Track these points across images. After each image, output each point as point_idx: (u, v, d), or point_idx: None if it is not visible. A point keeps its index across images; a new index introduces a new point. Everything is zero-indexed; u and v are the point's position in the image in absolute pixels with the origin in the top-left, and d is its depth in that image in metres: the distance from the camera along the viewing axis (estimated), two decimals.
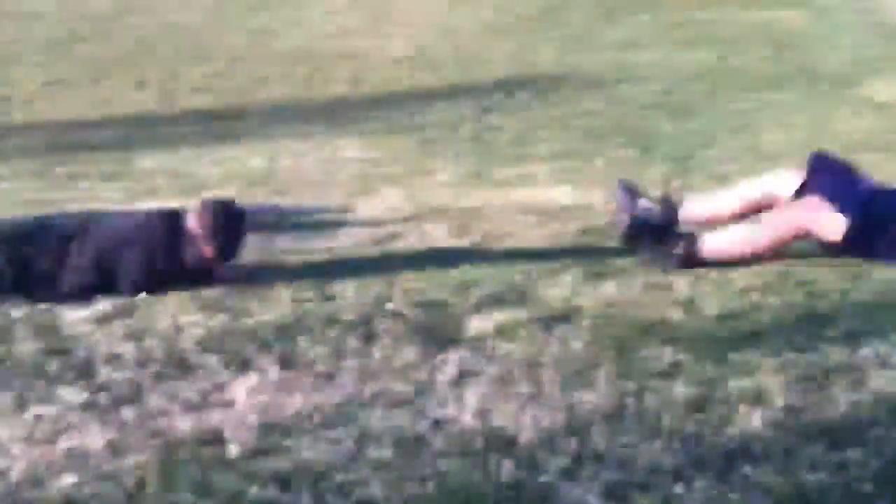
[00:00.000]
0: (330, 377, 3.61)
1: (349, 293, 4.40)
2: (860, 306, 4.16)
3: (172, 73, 10.98)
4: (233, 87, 10.54)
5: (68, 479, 2.94)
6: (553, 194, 6.46)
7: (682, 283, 4.46)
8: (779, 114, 9.33)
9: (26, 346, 3.81)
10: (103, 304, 4.22)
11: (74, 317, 4.09)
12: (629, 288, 4.43)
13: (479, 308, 4.21)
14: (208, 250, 4.16)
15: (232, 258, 4.27)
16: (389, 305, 4.24)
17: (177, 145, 8.72)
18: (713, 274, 4.56)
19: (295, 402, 3.41)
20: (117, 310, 4.18)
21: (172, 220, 4.21)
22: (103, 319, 4.07)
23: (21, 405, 3.33)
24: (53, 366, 3.62)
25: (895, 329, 3.90)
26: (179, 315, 4.10)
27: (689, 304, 4.23)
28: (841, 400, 3.39)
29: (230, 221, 4.23)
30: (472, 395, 3.48)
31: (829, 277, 4.46)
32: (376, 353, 3.82)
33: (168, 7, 14.10)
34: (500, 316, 4.10)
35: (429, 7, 13.81)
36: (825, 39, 11.83)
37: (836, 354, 3.72)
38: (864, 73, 10.30)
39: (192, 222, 4.16)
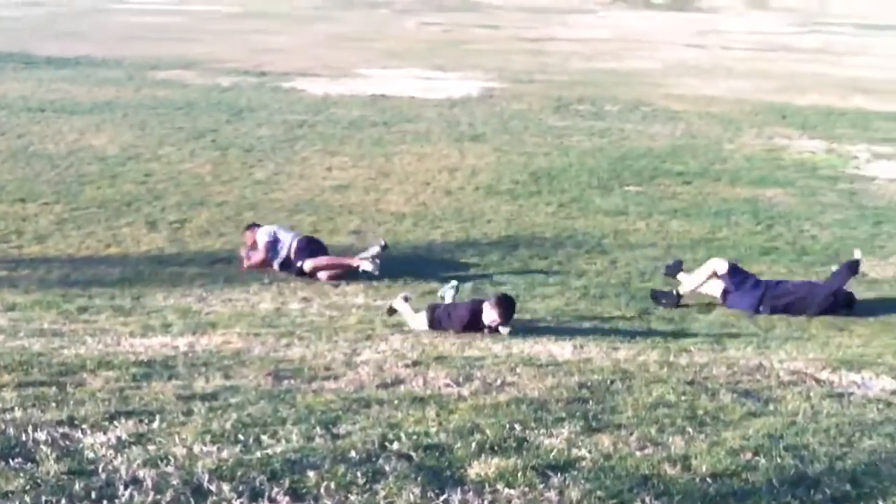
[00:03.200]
0: None
1: (355, 433, 4.55)
2: (848, 472, 4.29)
3: (181, 218, 11.34)
4: (241, 233, 10.87)
5: None
6: (553, 348, 6.68)
7: (677, 440, 4.62)
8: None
9: (50, 467, 3.94)
10: (121, 431, 4.38)
11: (95, 441, 4.24)
12: (625, 442, 4.59)
13: (479, 453, 4.35)
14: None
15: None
16: (394, 446, 4.39)
17: (186, 285, 9.00)
18: (706, 433, 4.74)
19: None
20: (135, 436, 4.33)
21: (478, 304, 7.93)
22: (122, 445, 4.22)
23: None
24: (76, 486, 3.75)
25: (882, 495, 4.05)
26: (194, 445, 4.25)
27: (683, 461, 4.37)
28: None
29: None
30: None
31: (819, 443, 4.63)
32: (381, 490, 3.93)
33: (175, 156, 14.60)
34: (499, 462, 4.24)
35: (427, 169, 14.34)
36: (812, 217, 12.31)
37: None
38: (851, 251, 10.70)
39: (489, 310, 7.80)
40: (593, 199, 12.90)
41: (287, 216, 11.56)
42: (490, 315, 7.73)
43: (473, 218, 11.86)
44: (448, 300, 8.31)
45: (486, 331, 7.71)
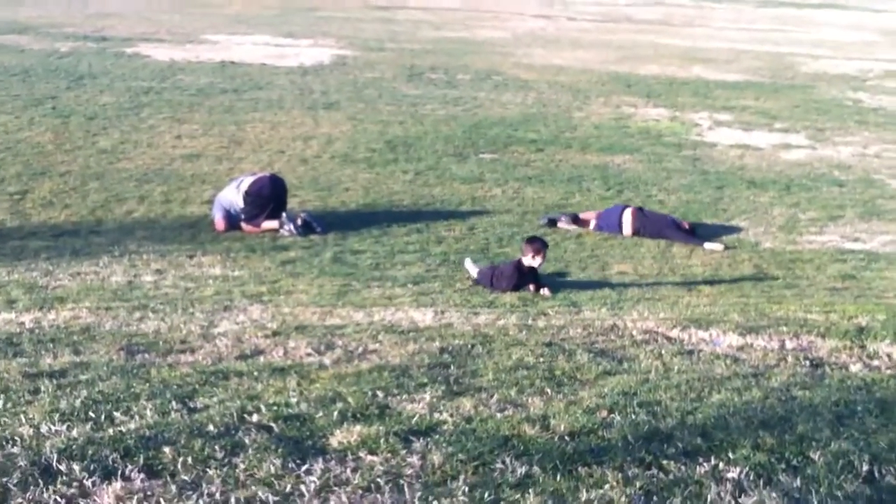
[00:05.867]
0: (195, 485, 3.63)
1: (213, 406, 4.44)
2: (698, 426, 4.43)
3: (22, 189, 10.82)
4: (87, 204, 10.48)
5: None
6: (415, 315, 6.68)
7: (536, 401, 4.69)
8: (624, 247, 10.04)
9: None
10: None
11: None
12: (486, 405, 4.63)
13: (341, 421, 4.32)
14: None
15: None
16: (254, 418, 4.31)
17: (31, 258, 8.59)
18: (564, 393, 4.84)
19: None
20: None
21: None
22: None
23: None
24: None
25: (731, 447, 4.21)
26: (41, 424, 4.06)
27: (542, 421, 4.43)
28: None
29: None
30: None
31: (670, 398, 4.78)
32: (241, 463, 3.85)
33: (12, 125, 13.90)
34: (362, 429, 4.21)
35: (281, 137, 14.10)
36: (658, 183, 12.70)
37: (676, 470, 3.97)
38: (696, 214, 11.12)
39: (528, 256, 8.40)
40: (449, 167, 12.96)
41: (136, 186, 11.18)
42: (530, 260, 8.28)
43: (331, 186, 11.74)
44: (475, 270, 8.59)
45: (532, 289, 8.23)
